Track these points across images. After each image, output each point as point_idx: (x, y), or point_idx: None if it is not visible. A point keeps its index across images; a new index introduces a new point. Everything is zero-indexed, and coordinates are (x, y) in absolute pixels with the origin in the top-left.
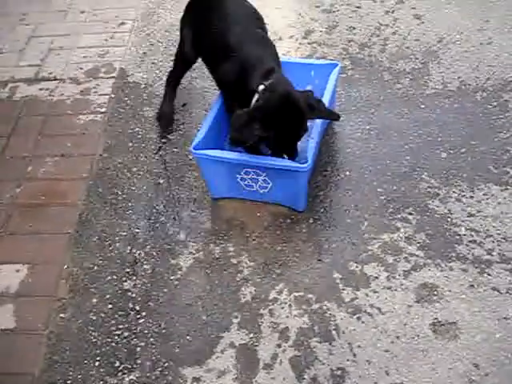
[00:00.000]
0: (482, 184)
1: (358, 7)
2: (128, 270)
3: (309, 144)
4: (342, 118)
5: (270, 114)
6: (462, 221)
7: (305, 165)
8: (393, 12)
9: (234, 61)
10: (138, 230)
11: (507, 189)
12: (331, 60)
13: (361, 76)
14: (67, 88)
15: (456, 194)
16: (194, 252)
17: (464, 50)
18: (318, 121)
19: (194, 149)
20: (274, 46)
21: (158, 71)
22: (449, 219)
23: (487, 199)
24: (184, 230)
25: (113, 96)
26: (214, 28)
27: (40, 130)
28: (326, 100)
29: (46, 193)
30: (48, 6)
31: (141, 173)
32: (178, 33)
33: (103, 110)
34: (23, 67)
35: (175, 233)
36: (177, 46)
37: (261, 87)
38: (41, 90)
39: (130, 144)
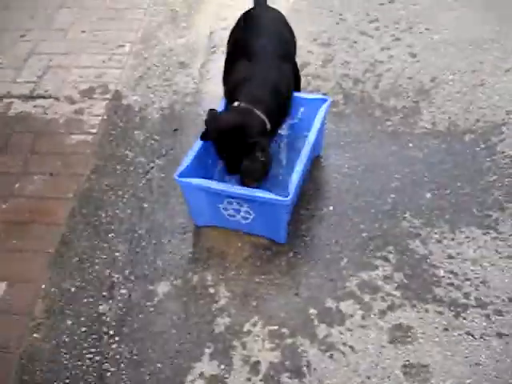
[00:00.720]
0: (464, 226)
1: (354, 42)
2: (105, 293)
3: (291, 177)
4: (329, 153)
5: (213, 128)
6: (442, 262)
7: (286, 198)
8: (389, 49)
9: (235, 75)
10: (118, 254)
11: (489, 233)
12: (323, 94)
13: (352, 111)
14: (61, 107)
15: (437, 236)
16: (172, 279)
17: (456, 90)
18: (303, 154)
19: (179, 176)
20: (288, 70)
21: (152, 95)
22: (428, 260)
23: (468, 242)
24: (164, 257)
25: (105, 117)
26: (238, 39)
27: (31, 147)
28: (312, 134)
29: (31, 210)
30: (50, 24)
31: (126, 196)
32: (176, 58)
33: (95, 130)
34: (20, 83)
35: (155, 258)
36: None
37: (235, 103)
38: (35, 107)
39: (119, 166)
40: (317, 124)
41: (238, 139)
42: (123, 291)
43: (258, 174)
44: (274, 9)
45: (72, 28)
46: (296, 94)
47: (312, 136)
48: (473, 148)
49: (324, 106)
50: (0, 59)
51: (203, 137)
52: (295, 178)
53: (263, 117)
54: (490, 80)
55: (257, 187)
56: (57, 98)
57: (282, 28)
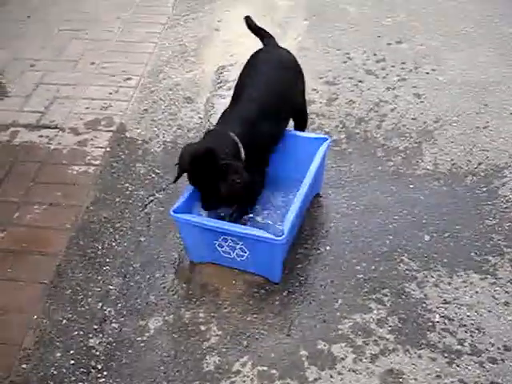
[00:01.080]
0: (462, 271)
1: (360, 81)
2: (96, 326)
3: (287, 216)
4: (329, 192)
5: (184, 158)
6: (437, 307)
7: (280, 237)
8: (394, 89)
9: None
10: (111, 287)
11: (486, 278)
12: (326, 132)
13: (354, 150)
14: (66, 137)
15: (434, 279)
16: (165, 315)
17: (460, 132)
18: (299, 194)
19: (175, 212)
20: (273, 123)
21: (155, 128)
22: (424, 304)
23: (465, 287)
24: (157, 292)
25: (108, 149)
26: (239, 80)
27: (33, 176)
28: (310, 174)
29: (28, 240)
30: (60, 55)
31: (123, 229)
32: (182, 92)
33: (97, 162)
34: (27, 113)
35: (148, 293)
36: None
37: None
38: (40, 136)
39: (118, 199)
40: (315, 164)
41: (208, 164)
42: (114, 325)
43: (236, 199)
44: (282, 50)
45: (82, 59)
46: (296, 133)
47: (309, 176)
48: (474, 191)
49: (324, 146)
50: (9, 88)
51: (176, 178)
52: (290, 217)
53: (237, 140)
54: (494, 122)
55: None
56: (62, 129)
57: (284, 72)
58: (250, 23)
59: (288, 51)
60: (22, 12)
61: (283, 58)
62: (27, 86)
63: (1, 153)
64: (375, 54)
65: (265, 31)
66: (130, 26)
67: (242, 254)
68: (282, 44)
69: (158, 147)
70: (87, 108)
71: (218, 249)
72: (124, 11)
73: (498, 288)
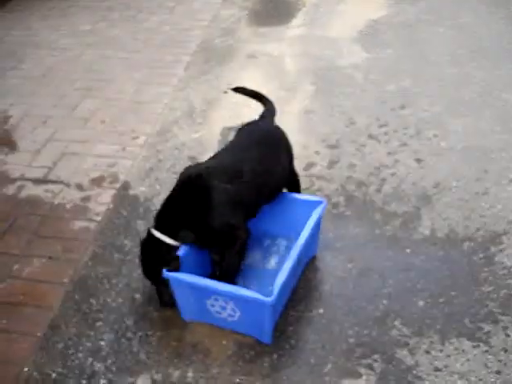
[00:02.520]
0: (454, 338)
1: (362, 146)
2: (84, 381)
3: (277, 278)
4: (325, 254)
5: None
6: (428, 374)
7: (269, 298)
8: (395, 154)
9: None
10: (103, 343)
11: (479, 346)
12: (326, 195)
13: (352, 213)
14: (70, 193)
15: (426, 346)
16: (153, 373)
17: (459, 197)
18: (291, 256)
19: (167, 270)
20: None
21: (158, 186)
22: (414, 371)
23: (457, 354)
24: (148, 349)
25: (111, 206)
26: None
27: (35, 230)
28: (303, 236)
29: (25, 293)
30: (72, 113)
31: (120, 285)
32: (187, 152)
33: (98, 218)
34: (35, 167)
35: (139, 350)
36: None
37: None
38: (46, 191)
39: (116, 255)
40: (309, 226)
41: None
42: (103, 381)
43: None
44: (272, 127)
45: (93, 118)
46: (293, 195)
47: (302, 238)
48: (471, 257)
49: (319, 209)
50: (20, 143)
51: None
52: (280, 279)
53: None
54: (493, 189)
55: None
56: (67, 184)
57: (268, 150)
58: (243, 91)
59: (277, 129)
60: (38, 70)
61: (270, 136)
62: (37, 141)
63: (6, 205)
64: (378, 119)
65: (261, 96)
66: (142, 87)
67: (233, 313)
68: (288, 107)
69: (159, 204)
70: (94, 165)
71: (210, 308)
72: (137, 71)
73: (490, 356)
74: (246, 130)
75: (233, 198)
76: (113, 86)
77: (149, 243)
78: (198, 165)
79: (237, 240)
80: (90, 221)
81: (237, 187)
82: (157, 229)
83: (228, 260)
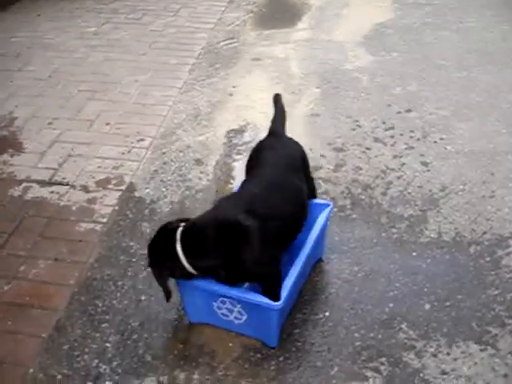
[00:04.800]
0: (461, 341)
1: (367, 149)
2: (90, 383)
3: (285, 282)
4: (331, 257)
5: None
6: (435, 377)
7: (276, 302)
8: (401, 157)
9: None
10: (108, 345)
11: (486, 349)
12: (332, 198)
13: (358, 217)
14: (76, 195)
15: (433, 349)
16: (159, 374)
17: (465, 201)
18: (298, 260)
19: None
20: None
21: (164, 189)
22: (421, 375)
23: (464, 358)
24: (153, 351)
25: (117, 208)
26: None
27: (41, 231)
28: (310, 240)
29: (31, 294)
30: (77, 114)
31: (125, 287)
32: (192, 154)
33: (104, 220)
34: (40, 169)
35: (144, 352)
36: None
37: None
38: (51, 193)
39: (122, 257)
40: (316, 230)
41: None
42: (108, 383)
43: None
44: (287, 140)
45: (98, 119)
46: None
47: (309, 242)
48: (477, 260)
49: (325, 212)
50: (26, 144)
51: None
52: (288, 283)
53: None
54: (500, 192)
55: None
56: (73, 186)
57: (290, 165)
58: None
59: (294, 143)
60: (44, 72)
61: (289, 157)
62: (43, 143)
63: (12, 207)
64: (384, 122)
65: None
66: (147, 89)
67: (239, 316)
68: (294, 110)
69: (166, 207)
70: (99, 167)
71: (217, 311)
72: (142, 74)
73: (497, 359)
74: (266, 154)
75: (269, 236)
76: (118, 89)
77: (167, 251)
78: (230, 200)
79: (269, 277)
80: (95, 222)
81: (271, 224)
82: (183, 249)
83: (266, 291)
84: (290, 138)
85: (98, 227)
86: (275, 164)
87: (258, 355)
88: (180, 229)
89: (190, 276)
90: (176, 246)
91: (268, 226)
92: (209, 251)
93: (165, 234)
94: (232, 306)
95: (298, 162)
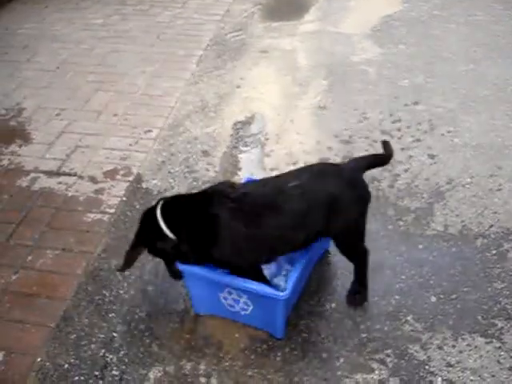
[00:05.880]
0: (467, 334)
1: (374, 141)
2: (97, 373)
3: (290, 273)
4: (337, 249)
5: None
6: (440, 370)
7: (282, 293)
8: (408, 149)
9: None
10: (115, 334)
11: (492, 342)
12: None
13: None
14: (83, 185)
15: (438, 342)
16: (165, 364)
17: (472, 194)
18: (305, 252)
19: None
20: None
21: (172, 180)
22: (426, 367)
23: (469, 350)
24: (160, 341)
25: (124, 199)
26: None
27: (49, 221)
28: None
29: (38, 284)
30: (85, 105)
31: (132, 277)
32: (200, 146)
33: (112, 211)
34: (48, 160)
35: (151, 342)
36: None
37: None
38: (59, 183)
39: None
40: None
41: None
42: (115, 372)
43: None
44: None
45: (105, 110)
46: None
47: None
48: (484, 253)
49: None
50: (34, 135)
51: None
52: (294, 274)
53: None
54: (507, 185)
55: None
56: (81, 177)
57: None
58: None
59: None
60: (52, 63)
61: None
62: (51, 133)
63: (20, 197)
64: (391, 115)
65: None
66: (155, 80)
67: (246, 307)
68: (301, 102)
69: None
70: (107, 158)
71: (223, 301)
72: (150, 66)
73: (503, 353)
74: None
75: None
76: (125, 80)
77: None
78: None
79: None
80: (103, 213)
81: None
82: (163, 215)
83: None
84: (354, 182)
85: (106, 218)
86: (301, 180)
87: (265, 346)
88: (161, 202)
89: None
90: (157, 214)
91: (249, 225)
92: (178, 224)
93: (148, 211)
94: (238, 296)
95: (329, 202)
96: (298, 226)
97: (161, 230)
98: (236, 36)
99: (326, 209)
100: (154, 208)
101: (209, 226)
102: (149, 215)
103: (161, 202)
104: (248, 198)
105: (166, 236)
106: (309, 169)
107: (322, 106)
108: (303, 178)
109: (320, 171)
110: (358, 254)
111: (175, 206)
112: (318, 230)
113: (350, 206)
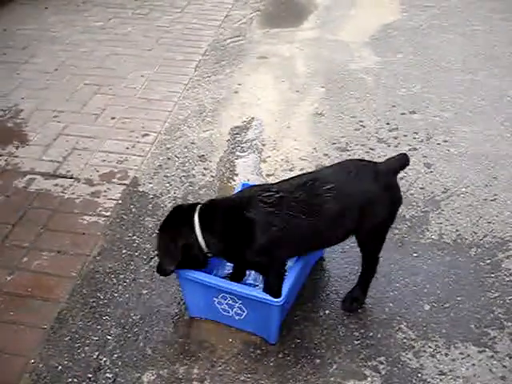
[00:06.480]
0: (460, 342)
1: (371, 149)
2: (90, 375)
3: (286, 280)
4: (332, 256)
5: None
6: (432, 378)
7: (277, 299)
8: None
9: None
10: (109, 337)
11: (484, 351)
12: None
13: None
14: (80, 188)
15: (431, 350)
16: (159, 368)
17: (467, 203)
18: (300, 258)
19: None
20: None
21: (168, 184)
22: (419, 375)
23: (462, 359)
24: (154, 345)
25: (120, 202)
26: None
27: (45, 223)
28: None
29: (33, 285)
30: (83, 108)
31: (127, 280)
32: (196, 150)
33: (108, 213)
34: (45, 161)
35: (145, 345)
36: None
37: None
38: (55, 185)
39: (124, 251)
40: None
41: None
42: (109, 375)
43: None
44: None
45: (103, 114)
46: None
47: None
48: (478, 263)
49: None
50: (31, 137)
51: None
52: (289, 281)
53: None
54: (502, 195)
55: None
56: (77, 179)
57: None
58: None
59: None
60: (50, 65)
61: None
62: (48, 135)
63: (16, 198)
64: (388, 123)
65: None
66: (153, 84)
67: (240, 312)
68: (298, 109)
69: (169, 202)
70: (103, 161)
71: (218, 306)
72: (148, 69)
73: (495, 362)
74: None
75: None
76: (124, 83)
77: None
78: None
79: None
80: (98, 216)
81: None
82: (201, 224)
83: (267, 288)
84: (388, 185)
85: (102, 220)
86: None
87: (258, 351)
88: (199, 206)
89: (202, 255)
90: (194, 219)
91: (280, 227)
92: (217, 231)
93: (182, 210)
94: (233, 301)
95: (365, 205)
96: (332, 227)
97: (194, 233)
98: (234, 42)
99: (361, 211)
100: (190, 210)
101: (246, 231)
102: (184, 216)
103: (198, 207)
104: (284, 202)
105: (197, 241)
106: (344, 168)
107: (319, 113)
108: (338, 180)
109: (356, 173)
110: (375, 258)
111: (212, 210)
112: (350, 229)
113: (383, 209)
